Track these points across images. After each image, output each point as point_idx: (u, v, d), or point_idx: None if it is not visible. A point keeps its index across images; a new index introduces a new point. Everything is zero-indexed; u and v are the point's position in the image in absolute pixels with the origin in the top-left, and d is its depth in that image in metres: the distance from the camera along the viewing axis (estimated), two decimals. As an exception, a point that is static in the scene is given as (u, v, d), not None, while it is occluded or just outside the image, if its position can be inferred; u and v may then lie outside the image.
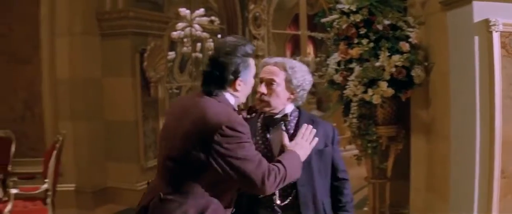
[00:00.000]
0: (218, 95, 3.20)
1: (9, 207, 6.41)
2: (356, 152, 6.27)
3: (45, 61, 8.52)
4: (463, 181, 4.99)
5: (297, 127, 3.55)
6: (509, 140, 4.69)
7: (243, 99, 3.34)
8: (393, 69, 5.62)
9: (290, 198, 3.57)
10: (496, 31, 4.58)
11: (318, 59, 14.89)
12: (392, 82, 5.68)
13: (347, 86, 5.85)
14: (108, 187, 9.07)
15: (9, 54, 8.56)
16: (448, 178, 5.28)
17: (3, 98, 8.61)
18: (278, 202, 3.57)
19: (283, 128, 3.57)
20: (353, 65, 5.87)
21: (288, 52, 16.56)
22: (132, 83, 8.92)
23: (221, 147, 3.00)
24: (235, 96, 3.27)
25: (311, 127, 3.49)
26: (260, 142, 3.59)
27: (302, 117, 3.65)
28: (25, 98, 8.64)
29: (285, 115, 3.59)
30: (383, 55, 5.66)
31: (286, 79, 3.54)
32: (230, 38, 3.31)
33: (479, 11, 4.66)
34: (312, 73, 7.96)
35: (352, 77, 5.82)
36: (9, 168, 7.73)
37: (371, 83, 5.72)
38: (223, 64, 3.18)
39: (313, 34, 11.57)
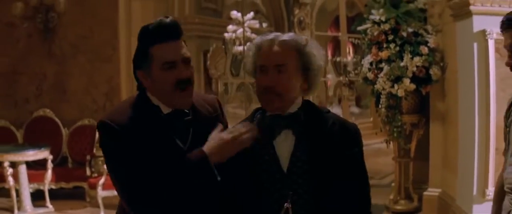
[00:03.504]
0: (139, 93, 2.74)
1: (102, 180, 7.84)
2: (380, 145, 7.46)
3: (123, 59, 9.40)
4: (467, 159, 6.22)
5: (306, 128, 2.63)
6: (502, 125, 5.94)
7: (167, 98, 2.67)
8: (415, 69, 6.91)
9: None
10: (491, 39, 5.81)
11: (354, 60, 15.90)
12: (414, 79, 6.98)
13: (377, 82, 7.12)
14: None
15: (92, 53, 9.62)
16: (457, 156, 6.55)
17: (87, 91, 9.72)
18: None
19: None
20: (382, 65, 7.13)
21: (329, 52, 17.46)
22: (197, 79, 9.74)
23: (100, 142, 2.70)
24: (152, 93, 2.70)
25: (253, 127, 2.59)
26: (262, 151, 2.63)
27: (311, 113, 2.69)
28: (105, 91, 9.67)
29: (297, 113, 2.65)
30: (407, 57, 6.94)
31: (298, 61, 2.61)
32: None
33: (478, 23, 5.87)
34: (350, 71, 9.13)
35: (381, 74, 7.09)
36: (94, 151, 8.96)
37: (397, 79, 7.01)
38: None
39: (351, 36, 12.67)
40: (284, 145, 2.61)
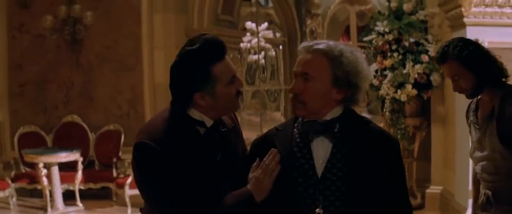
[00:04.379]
0: (175, 108, 2.62)
1: (129, 180, 8.42)
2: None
3: (146, 69, 9.87)
4: (463, 158, 6.64)
5: (344, 136, 2.59)
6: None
7: (224, 111, 2.67)
8: (416, 75, 7.44)
9: None
10: (483, 48, 6.34)
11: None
12: (415, 85, 7.50)
13: (382, 88, 7.66)
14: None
15: (117, 63, 9.99)
16: (455, 156, 7.07)
17: (112, 98, 10.07)
18: None
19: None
20: (386, 72, 7.66)
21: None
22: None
23: (133, 162, 2.58)
24: (205, 112, 2.61)
25: (275, 152, 2.61)
26: (298, 155, 2.62)
27: (351, 122, 2.63)
28: (129, 98, 10.01)
29: (331, 121, 2.60)
30: (409, 64, 7.47)
31: (329, 71, 2.55)
32: (188, 44, 2.58)
33: (471, 33, 6.28)
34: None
35: (385, 81, 7.62)
36: (120, 154, 9.46)
37: (400, 85, 7.54)
38: (172, 79, 2.59)
39: (361, 45, 13.08)
40: (321, 151, 2.58)
